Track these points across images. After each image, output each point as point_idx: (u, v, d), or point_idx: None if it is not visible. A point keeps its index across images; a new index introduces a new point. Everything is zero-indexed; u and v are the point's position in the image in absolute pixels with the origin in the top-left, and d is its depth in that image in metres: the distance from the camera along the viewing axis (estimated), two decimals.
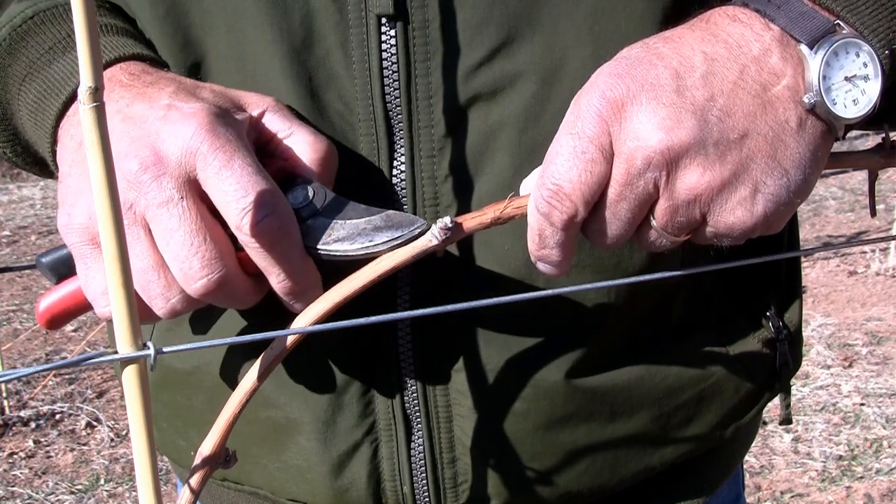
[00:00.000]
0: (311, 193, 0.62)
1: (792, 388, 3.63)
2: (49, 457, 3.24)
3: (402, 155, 0.68)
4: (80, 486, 3.07)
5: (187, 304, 0.60)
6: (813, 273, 4.52)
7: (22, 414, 3.48)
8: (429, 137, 0.67)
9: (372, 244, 0.60)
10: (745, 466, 2.99)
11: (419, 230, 0.60)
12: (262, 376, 0.60)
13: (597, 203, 0.58)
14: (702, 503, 0.84)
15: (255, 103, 0.63)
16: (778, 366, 0.82)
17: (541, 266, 0.62)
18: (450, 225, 0.58)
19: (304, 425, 0.74)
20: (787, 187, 0.56)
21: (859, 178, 6.18)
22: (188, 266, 0.57)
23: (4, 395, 3.50)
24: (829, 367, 3.63)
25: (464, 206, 0.68)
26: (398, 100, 0.66)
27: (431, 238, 0.58)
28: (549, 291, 0.48)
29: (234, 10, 0.67)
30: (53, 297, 0.65)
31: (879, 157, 0.59)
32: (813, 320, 4.03)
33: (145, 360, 0.45)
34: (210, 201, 0.58)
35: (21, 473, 3.13)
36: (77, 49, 0.35)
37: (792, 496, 2.87)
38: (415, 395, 0.73)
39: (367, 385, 0.73)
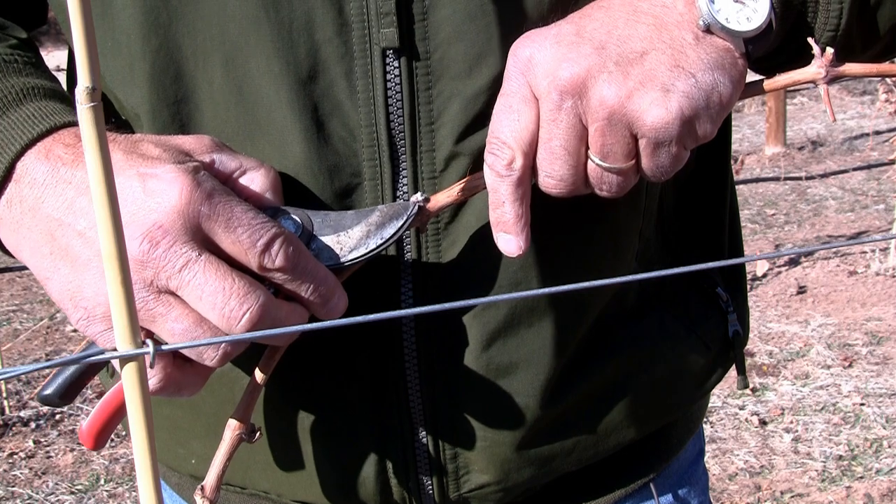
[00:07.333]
0: (297, 220, 0.64)
1: (792, 387, 3.62)
2: (49, 457, 3.24)
3: (405, 178, 0.70)
4: (80, 486, 3.07)
5: (235, 346, 0.62)
6: (813, 273, 4.52)
7: (22, 414, 3.48)
8: (430, 160, 0.70)
9: (384, 239, 0.65)
10: (745, 466, 3.00)
11: (416, 209, 0.66)
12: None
13: (536, 149, 0.63)
14: (672, 461, 0.91)
15: (198, 149, 0.63)
16: (730, 335, 0.88)
17: (501, 242, 0.65)
18: (420, 199, 0.66)
19: (315, 436, 0.76)
20: (696, 86, 0.61)
21: (859, 178, 6.18)
22: (228, 308, 0.58)
23: (4, 395, 3.51)
24: (829, 367, 3.63)
25: None
26: (402, 126, 0.69)
27: (414, 210, 0.66)
28: (546, 290, 0.48)
29: (234, 44, 0.67)
30: (92, 417, 0.66)
31: (818, 69, 0.64)
32: (813, 320, 4.03)
33: (144, 359, 0.45)
34: (221, 251, 0.60)
35: (21, 473, 3.13)
36: (75, 50, 0.35)
37: (792, 496, 2.87)
38: (419, 396, 0.75)
39: (375, 392, 0.75)
